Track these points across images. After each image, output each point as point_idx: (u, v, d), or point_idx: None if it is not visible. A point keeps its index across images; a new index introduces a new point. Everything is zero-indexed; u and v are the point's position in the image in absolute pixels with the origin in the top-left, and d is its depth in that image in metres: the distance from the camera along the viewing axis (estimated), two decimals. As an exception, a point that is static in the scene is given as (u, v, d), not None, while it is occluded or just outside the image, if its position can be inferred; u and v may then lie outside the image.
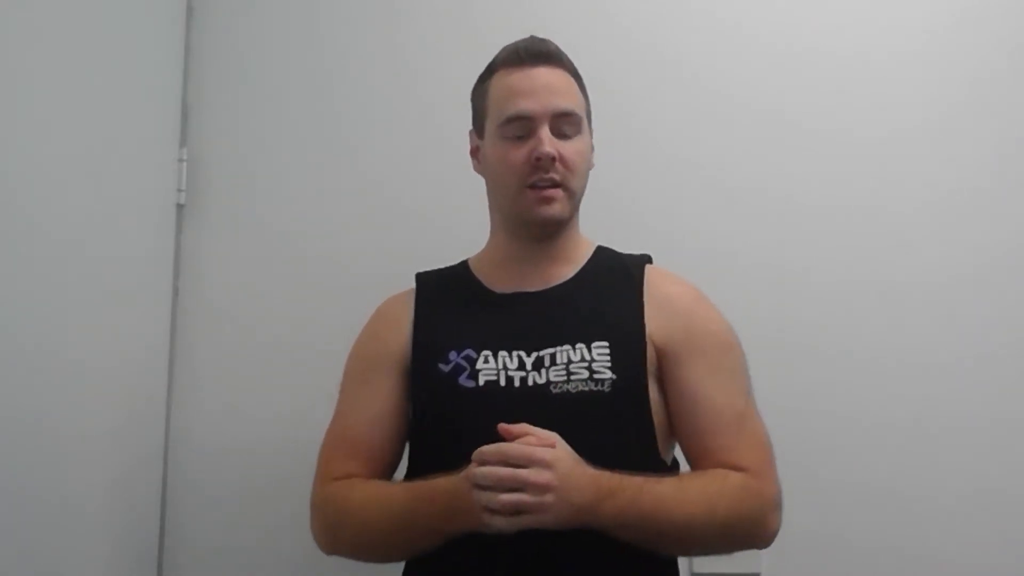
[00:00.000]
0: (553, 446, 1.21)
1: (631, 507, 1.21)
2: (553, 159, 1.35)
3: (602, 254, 1.47)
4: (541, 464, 1.18)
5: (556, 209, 1.38)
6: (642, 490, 1.23)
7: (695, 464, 1.35)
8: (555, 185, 1.37)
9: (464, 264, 1.50)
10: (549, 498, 1.18)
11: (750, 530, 1.31)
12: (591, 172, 1.46)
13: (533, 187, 1.37)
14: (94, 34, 1.61)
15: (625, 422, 1.31)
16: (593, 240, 1.49)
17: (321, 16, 1.90)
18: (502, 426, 1.22)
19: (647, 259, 1.47)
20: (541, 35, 1.44)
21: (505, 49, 1.44)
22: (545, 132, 1.36)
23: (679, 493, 1.26)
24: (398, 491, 1.32)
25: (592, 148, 1.46)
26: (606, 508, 1.21)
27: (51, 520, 1.47)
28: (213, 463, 1.78)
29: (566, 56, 1.44)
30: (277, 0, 1.92)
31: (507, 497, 1.18)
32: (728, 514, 1.27)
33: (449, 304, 1.44)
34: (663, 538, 1.26)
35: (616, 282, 1.42)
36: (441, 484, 1.25)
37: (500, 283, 1.44)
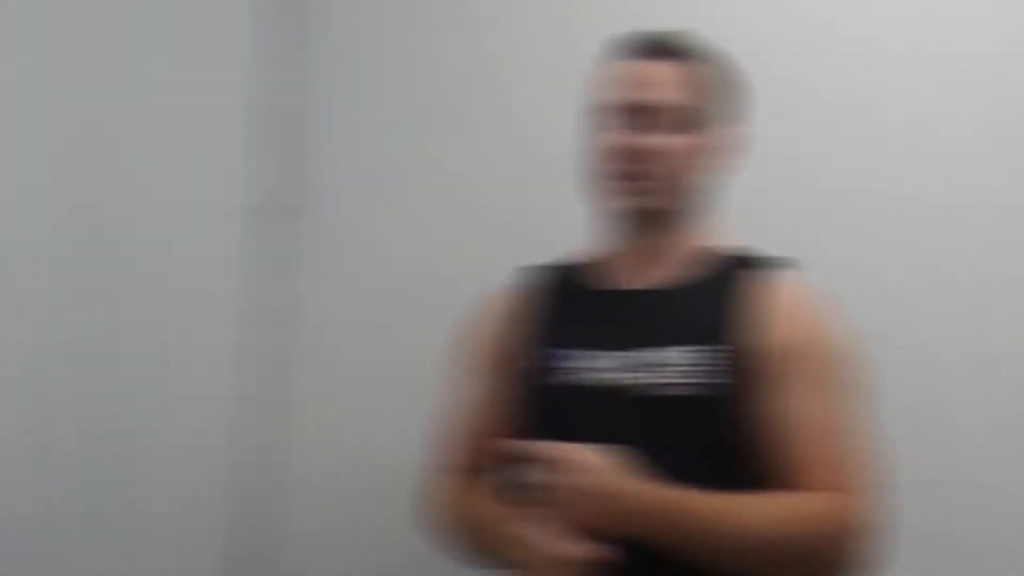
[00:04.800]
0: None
1: (686, 527, 1.20)
2: (626, 151, 1.33)
3: (717, 255, 1.38)
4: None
5: (632, 201, 1.34)
6: (699, 509, 1.20)
7: (772, 481, 1.26)
8: (630, 177, 1.33)
9: (566, 259, 1.47)
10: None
11: (820, 556, 1.22)
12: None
13: (610, 178, 1.35)
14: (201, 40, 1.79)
15: (708, 431, 1.28)
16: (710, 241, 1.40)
17: (424, 17, 1.94)
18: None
19: (771, 263, 1.37)
20: (630, 30, 1.39)
21: (616, 41, 1.41)
22: (619, 123, 1.34)
23: (742, 512, 1.21)
24: (486, 515, 1.34)
25: (721, 148, 1.38)
26: (657, 527, 1.21)
27: (162, 526, 1.57)
28: (327, 463, 1.87)
29: (685, 49, 1.36)
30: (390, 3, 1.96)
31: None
32: (795, 539, 1.21)
33: (547, 301, 1.43)
34: (719, 559, 1.22)
35: (723, 286, 1.34)
36: (513, 530, 1.26)
37: (601, 280, 1.41)
